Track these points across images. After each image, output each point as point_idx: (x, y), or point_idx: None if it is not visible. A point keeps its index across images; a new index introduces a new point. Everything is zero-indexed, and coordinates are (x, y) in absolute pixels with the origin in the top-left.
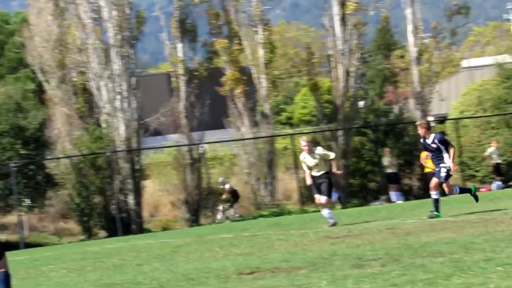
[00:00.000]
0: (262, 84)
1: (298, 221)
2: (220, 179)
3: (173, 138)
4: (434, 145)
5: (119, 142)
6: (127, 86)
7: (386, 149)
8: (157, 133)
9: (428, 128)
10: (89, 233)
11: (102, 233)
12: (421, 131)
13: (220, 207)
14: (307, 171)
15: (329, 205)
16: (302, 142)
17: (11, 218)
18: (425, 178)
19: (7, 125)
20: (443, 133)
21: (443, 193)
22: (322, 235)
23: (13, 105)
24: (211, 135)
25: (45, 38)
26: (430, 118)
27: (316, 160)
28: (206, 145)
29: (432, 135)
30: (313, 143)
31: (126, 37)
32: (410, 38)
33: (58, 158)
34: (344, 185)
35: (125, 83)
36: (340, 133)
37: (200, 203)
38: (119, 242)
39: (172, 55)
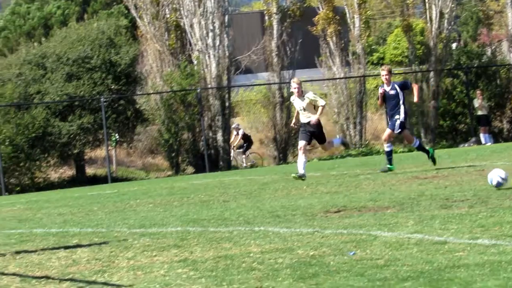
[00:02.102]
0: (355, 24)
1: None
2: (234, 125)
3: (264, 76)
4: None
5: (210, 79)
6: (219, 24)
7: (478, 91)
8: (248, 71)
9: None
10: (176, 169)
11: (190, 169)
12: None
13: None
14: (296, 114)
15: (306, 153)
16: (293, 84)
17: (100, 152)
18: None
19: (99, 60)
20: None
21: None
22: (410, 175)
23: (106, 40)
24: (302, 74)
25: None
26: None
27: (303, 104)
28: None
29: None
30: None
31: None
32: None
33: (149, 94)
34: (434, 126)
35: (218, 20)
36: (431, 74)
37: (289, 142)
38: (206, 178)
39: None
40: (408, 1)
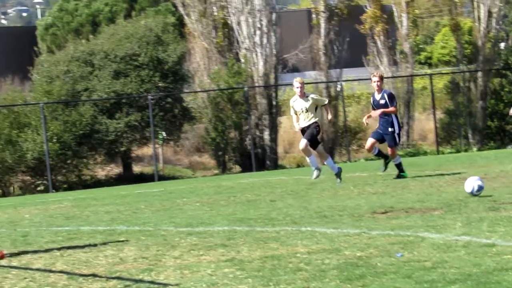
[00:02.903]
0: (403, 22)
1: (433, 162)
2: None
3: (311, 75)
4: None
5: (257, 78)
6: (267, 22)
7: None
8: (295, 69)
9: None
10: (223, 168)
11: (236, 168)
12: None
13: None
14: (294, 117)
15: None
16: (295, 83)
17: (147, 150)
18: None
19: (146, 57)
20: None
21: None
22: (458, 177)
23: (153, 37)
24: (349, 73)
25: None
26: None
27: (306, 105)
28: (343, 83)
29: None
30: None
31: None
32: None
33: (196, 92)
34: (481, 127)
35: (265, 18)
36: (479, 74)
37: (336, 141)
38: (253, 177)
39: None
40: (456, 0)
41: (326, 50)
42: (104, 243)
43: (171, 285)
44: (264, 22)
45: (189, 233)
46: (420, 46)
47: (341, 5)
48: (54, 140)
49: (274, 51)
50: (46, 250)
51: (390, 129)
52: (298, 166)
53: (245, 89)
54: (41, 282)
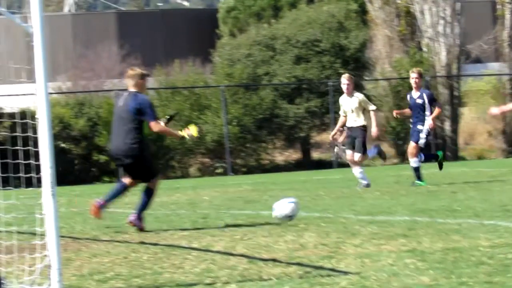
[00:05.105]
0: None
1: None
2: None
3: (494, 66)
4: None
5: (439, 68)
6: (451, 11)
7: None
8: (478, 60)
9: None
10: (402, 157)
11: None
12: None
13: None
14: (341, 120)
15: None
16: (343, 79)
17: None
18: None
19: (328, 43)
20: None
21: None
22: None
23: (335, 24)
24: None
25: None
26: None
27: (354, 105)
28: None
29: None
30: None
31: None
32: None
33: (377, 80)
34: None
35: (449, 8)
36: None
37: None
38: (432, 168)
39: None
40: None
41: (511, 42)
42: (284, 229)
43: (352, 273)
44: (448, 12)
45: (370, 222)
46: None
47: None
48: (234, 123)
49: (458, 41)
50: (226, 233)
51: (419, 126)
52: (479, 158)
53: (427, 78)
54: (221, 265)
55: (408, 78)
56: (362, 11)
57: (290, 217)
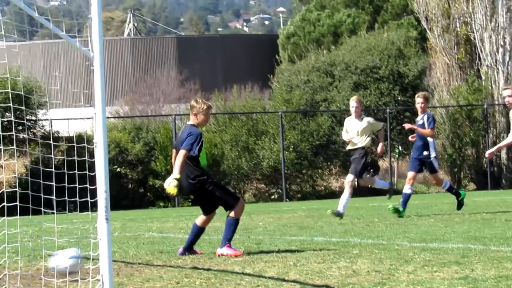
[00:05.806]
0: None
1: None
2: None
3: None
4: None
5: (497, 95)
6: (510, 39)
7: None
8: None
9: None
10: (457, 185)
11: (471, 185)
12: None
13: None
14: (346, 136)
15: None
16: (352, 102)
17: (382, 163)
18: None
19: (387, 70)
20: None
21: None
22: None
23: (395, 51)
24: None
25: None
26: None
27: (360, 127)
28: None
29: None
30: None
31: None
32: None
33: (434, 107)
34: None
35: (509, 36)
36: None
37: None
38: (488, 196)
39: None
40: None
41: None
42: (337, 255)
43: None
44: (508, 40)
45: (423, 249)
46: None
47: None
48: (291, 149)
49: None
50: (280, 259)
51: (425, 153)
52: None
53: (485, 106)
54: None
55: (466, 105)
56: (422, 39)
57: (67, 272)
